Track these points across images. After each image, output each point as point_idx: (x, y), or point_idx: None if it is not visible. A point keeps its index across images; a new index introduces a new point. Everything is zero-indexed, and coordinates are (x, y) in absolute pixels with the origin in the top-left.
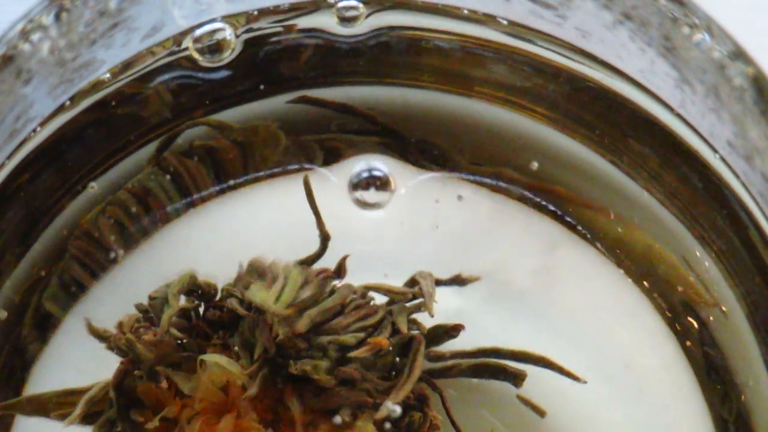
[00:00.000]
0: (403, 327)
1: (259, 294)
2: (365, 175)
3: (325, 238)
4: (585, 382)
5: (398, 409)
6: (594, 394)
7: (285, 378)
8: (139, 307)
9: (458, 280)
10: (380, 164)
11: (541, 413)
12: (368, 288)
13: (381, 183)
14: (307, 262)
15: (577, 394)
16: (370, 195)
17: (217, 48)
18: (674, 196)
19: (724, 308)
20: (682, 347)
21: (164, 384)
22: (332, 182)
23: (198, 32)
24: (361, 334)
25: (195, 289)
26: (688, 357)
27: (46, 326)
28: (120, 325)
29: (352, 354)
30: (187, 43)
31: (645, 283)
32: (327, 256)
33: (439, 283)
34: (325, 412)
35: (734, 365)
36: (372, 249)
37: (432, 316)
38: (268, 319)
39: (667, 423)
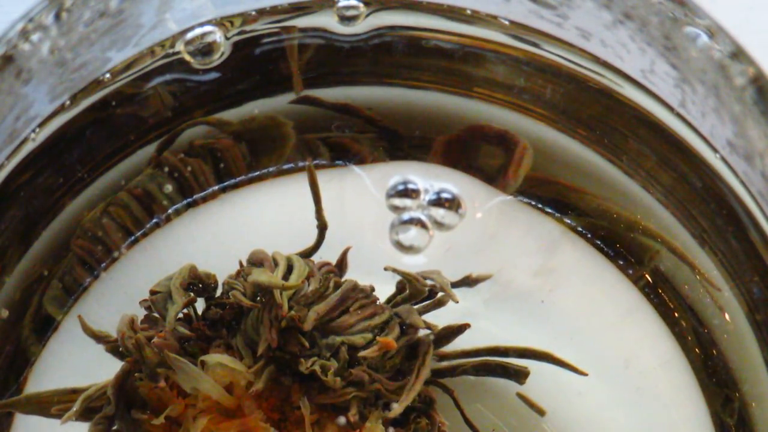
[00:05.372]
0: (420, 323)
1: (264, 275)
2: (401, 187)
3: (322, 228)
4: (587, 375)
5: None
6: (594, 394)
7: (292, 376)
8: (143, 303)
9: (468, 281)
10: (412, 176)
11: (540, 412)
12: (395, 271)
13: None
14: (306, 254)
15: (577, 394)
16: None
17: (208, 50)
18: (674, 195)
19: (722, 305)
20: (681, 347)
21: (162, 384)
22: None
23: (189, 35)
24: (369, 335)
25: (195, 281)
26: (688, 357)
27: (46, 327)
28: (131, 323)
29: (361, 354)
30: (179, 46)
31: (645, 282)
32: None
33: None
34: (332, 410)
35: (734, 365)
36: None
37: (457, 302)
38: (277, 298)
39: (667, 422)
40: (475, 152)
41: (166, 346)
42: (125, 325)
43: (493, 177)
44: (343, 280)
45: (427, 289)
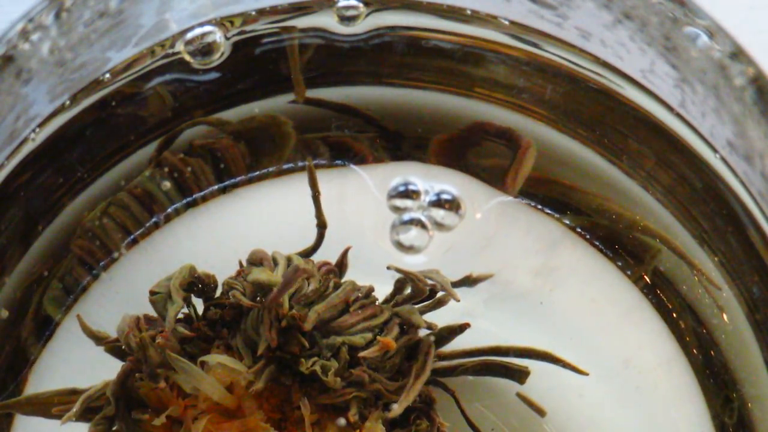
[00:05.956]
0: (421, 322)
1: (264, 273)
2: (402, 188)
3: (321, 227)
4: (587, 374)
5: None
6: (594, 394)
7: (292, 376)
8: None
9: (468, 281)
10: (413, 177)
11: (540, 412)
12: (398, 270)
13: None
14: (306, 254)
15: (577, 394)
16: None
17: (208, 50)
18: (674, 195)
19: (722, 305)
20: (681, 347)
21: (162, 384)
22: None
23: (189, 35)
24: (369, 335)
25: (195, 281)
26: (688, 356)
27: (46, 327)
28: (137, 322)
29: (362, 354)
30: (179, 46)
31: (644, 282)
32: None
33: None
34: (332, 410)
35: (734, 365)
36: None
37: (458, 300)
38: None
39: (667, 422)
40: (477, 150)
41: (168, 347)
42: (131, 324)
43: (495, 177)
44: (343, 280)
45: (428, 288)
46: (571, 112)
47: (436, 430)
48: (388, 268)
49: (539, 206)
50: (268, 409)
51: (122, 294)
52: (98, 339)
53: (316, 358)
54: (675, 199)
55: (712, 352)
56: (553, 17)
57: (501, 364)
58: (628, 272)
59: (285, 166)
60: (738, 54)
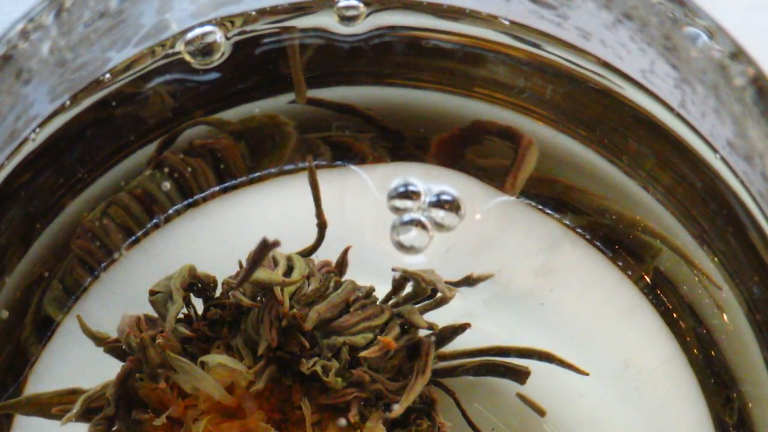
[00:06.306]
0: (422, 322)
1: (264, 272)
2: (402, 189)
3: (322, 227)
4: (587, 374)
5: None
6: (594, 394)
7: (293, 376)
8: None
9: (468, 281)
10: (413, 178)
11: (540, 412)
12: (404, 272)
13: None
14: (306, 253)
15: (577, 394)
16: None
17: (208, 50)
18: (674, 195)
19: (722, 305)
20: (681, 347)
21: (163, 384)
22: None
23: (189, 35)
24: (370, 335)
25: (195, 282)
26: (688, 357)
27: (46, 327)
28: (137, 322)
29: (362, 354)
30: (179, 46)
31: (645, 282)
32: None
33: (450, 284)
34: (333, 410)
35: (734, 365)
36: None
37: (451, 297)
38: (278, 295)
39: (667, 422)
40: (477, 149)
41: (168, 347)
42: (131, 324)
43: (495, 177)
44: (343, 280)
45: (429, 288)
46: (571, 112)
47: (436, 430)
48: (393, 269)
49: (539, 206)
50: (269, 409)
51: (122, 294)
52: (98, 339)
53: (316, 358)
54: (675, 199)
55: (712, 352)
56: (553, 17)
57: (501, 364)
58: (629, 272)
59: (285, 167)
60: (738, 54)
